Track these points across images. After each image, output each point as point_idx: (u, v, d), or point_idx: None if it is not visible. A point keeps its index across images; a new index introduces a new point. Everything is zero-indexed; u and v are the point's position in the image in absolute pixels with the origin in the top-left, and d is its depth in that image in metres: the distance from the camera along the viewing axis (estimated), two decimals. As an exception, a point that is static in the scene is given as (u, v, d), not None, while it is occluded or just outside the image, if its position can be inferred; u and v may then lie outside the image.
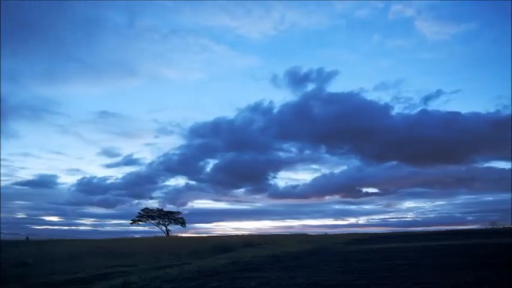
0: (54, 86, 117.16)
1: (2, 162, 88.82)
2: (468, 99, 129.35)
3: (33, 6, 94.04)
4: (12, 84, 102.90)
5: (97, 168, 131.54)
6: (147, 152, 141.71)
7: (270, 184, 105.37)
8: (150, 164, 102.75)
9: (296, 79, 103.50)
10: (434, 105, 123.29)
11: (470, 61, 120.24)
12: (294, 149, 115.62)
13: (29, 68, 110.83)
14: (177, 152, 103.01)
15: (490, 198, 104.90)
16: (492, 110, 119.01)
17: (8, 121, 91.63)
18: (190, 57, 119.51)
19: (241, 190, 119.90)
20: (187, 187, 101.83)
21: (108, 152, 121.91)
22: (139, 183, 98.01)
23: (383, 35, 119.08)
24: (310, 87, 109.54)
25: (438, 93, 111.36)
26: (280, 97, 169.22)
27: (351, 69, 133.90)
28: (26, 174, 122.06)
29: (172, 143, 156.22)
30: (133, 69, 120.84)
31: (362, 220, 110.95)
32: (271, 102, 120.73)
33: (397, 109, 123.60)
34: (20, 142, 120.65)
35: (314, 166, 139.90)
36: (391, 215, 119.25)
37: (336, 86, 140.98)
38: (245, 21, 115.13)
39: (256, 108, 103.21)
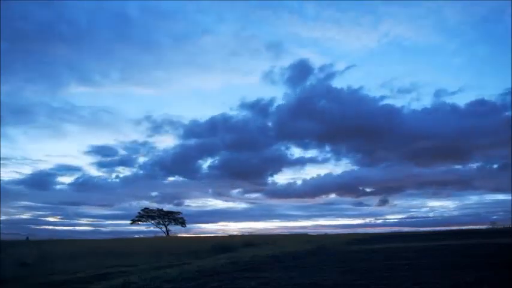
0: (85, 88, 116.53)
1: (3, 161, 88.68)
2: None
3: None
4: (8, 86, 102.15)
5: (96, 168, 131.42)
6: (144, 151, 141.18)
7: (271, 183, 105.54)
8: (147, 163, 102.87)
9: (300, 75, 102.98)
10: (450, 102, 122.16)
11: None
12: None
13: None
14: (176, 151, 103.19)
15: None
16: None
17: (7, 122, 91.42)
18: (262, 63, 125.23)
19: (242, 190, 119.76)
20: (187, 186, 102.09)
21: (107, 151, 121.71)
22: (138, 183, 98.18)
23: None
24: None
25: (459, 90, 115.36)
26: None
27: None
28: (26, 174, 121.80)
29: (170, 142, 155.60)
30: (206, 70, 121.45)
31: (380, 220, 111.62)
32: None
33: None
34: (19, 141, 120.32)
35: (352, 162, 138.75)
36: (409, 214, 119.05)
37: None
38: (351, 33, 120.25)
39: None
